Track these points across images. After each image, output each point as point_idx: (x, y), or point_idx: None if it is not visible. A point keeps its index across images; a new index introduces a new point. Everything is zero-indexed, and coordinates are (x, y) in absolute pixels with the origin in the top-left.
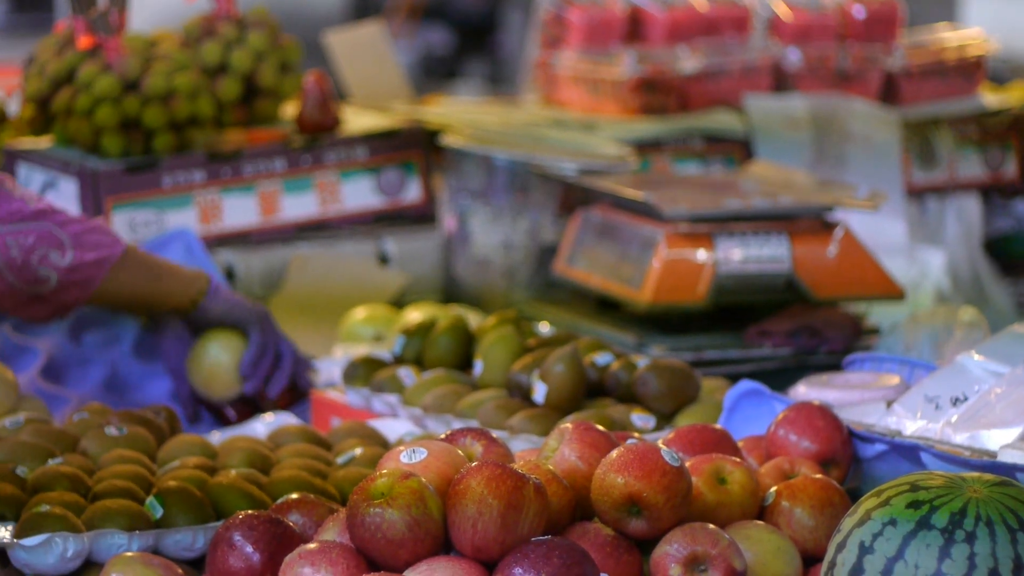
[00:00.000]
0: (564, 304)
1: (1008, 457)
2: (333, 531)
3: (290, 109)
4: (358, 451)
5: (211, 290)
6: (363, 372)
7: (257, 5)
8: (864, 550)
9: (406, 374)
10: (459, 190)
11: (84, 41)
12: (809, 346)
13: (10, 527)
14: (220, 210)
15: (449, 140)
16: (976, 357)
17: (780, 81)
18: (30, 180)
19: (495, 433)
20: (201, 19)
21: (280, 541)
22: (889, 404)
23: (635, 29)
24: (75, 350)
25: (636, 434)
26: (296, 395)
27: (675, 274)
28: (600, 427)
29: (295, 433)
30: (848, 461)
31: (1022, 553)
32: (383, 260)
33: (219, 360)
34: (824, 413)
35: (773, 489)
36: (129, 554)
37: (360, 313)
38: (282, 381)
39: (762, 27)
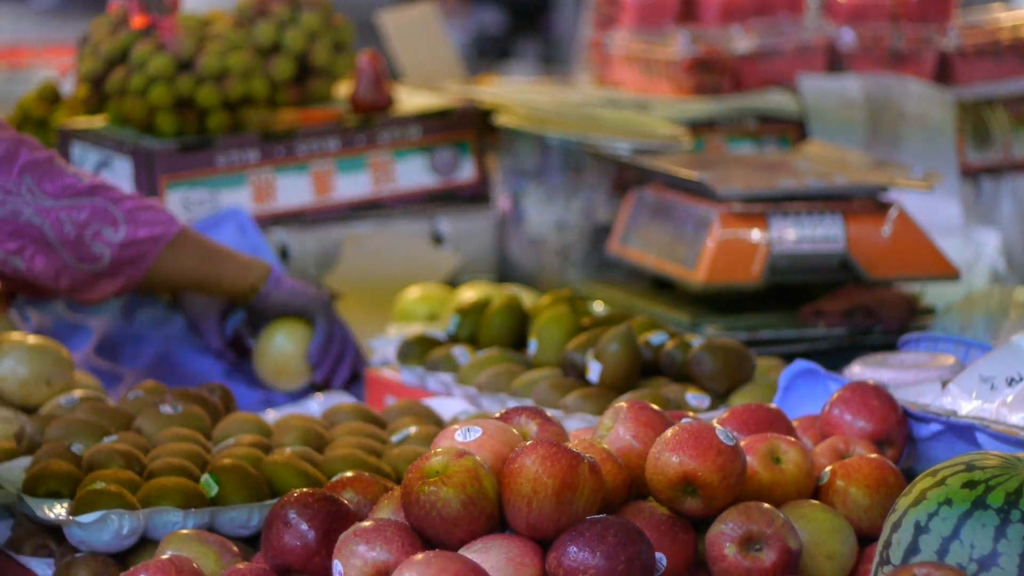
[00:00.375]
0: (618, 284)
1: None
2: (388, 509)
3: (344, 89)
4: (412, 429)
5: (272, 278)
6: (417, 351)
7: None
8: (920, 530)
9: (460, 353)
10: (513, 170)
11: (138, 21)
12: (864, 326)
13: (66, 504)
14: (274, 189)
15: (503, 120)
16: None
17: (834, 61)
18: (84, 159)
19: (550, 412)
20: None
21: (335, 519)
22: (944, 384)
23: (689, 9)
24: (128, 328)
25: (691, 413)
26: (350, 379)
27: (729, 254)
28: (655, 406)
29: (349, 412)
30: (903, 441)
31: None
32: (437, 240)
33: (286, 351)
34: (879, 393)
35: (828, 468)
36: (184, 531)
37: (414, 292)
38: (346, 373)
39: (816, 7)
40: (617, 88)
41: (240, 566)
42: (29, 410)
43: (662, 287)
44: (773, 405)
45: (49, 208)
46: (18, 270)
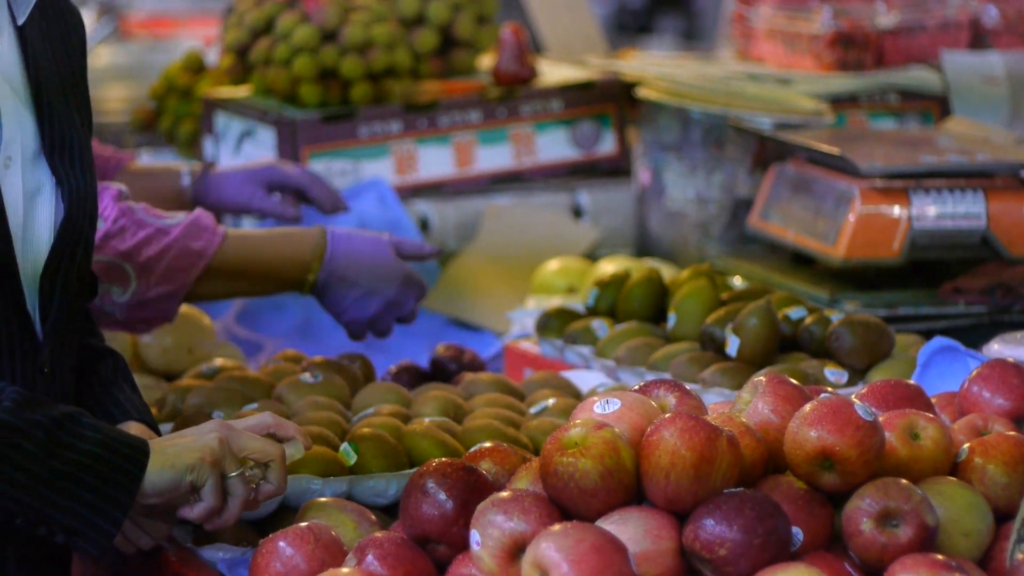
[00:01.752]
0: (757, 259)
1: None
2: (526, 480)
3: (486, 61)
4: (551, 401)
5: (331, 240)
6: (556, 323)
7: None
8: None
9: (599, 326)
10: (653, 143)
11: None
12: (1003, 303)
13: None
14: (416, 161)
15: (644, 93)
16: None
17: (978, 37)
18: (228, 129)
19: (688, 386)
20: None
21: (473, 489)
22: None
23: None
24: (269, 296)
25: (829, 388)
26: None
27: (870, 230)
28: (794, 381)
29: (488, 383)
30: None
31: None
32: (576, 213)
33: None
34: (1018, 370)
35: (966, 445)
36: (323, 499)
37: (553, 265)
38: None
39: None
40: (759, 63)
41: (378, 534)
42: (171, 377)
43: (801, 262)
44: (912, 381)
45: None
46: None
